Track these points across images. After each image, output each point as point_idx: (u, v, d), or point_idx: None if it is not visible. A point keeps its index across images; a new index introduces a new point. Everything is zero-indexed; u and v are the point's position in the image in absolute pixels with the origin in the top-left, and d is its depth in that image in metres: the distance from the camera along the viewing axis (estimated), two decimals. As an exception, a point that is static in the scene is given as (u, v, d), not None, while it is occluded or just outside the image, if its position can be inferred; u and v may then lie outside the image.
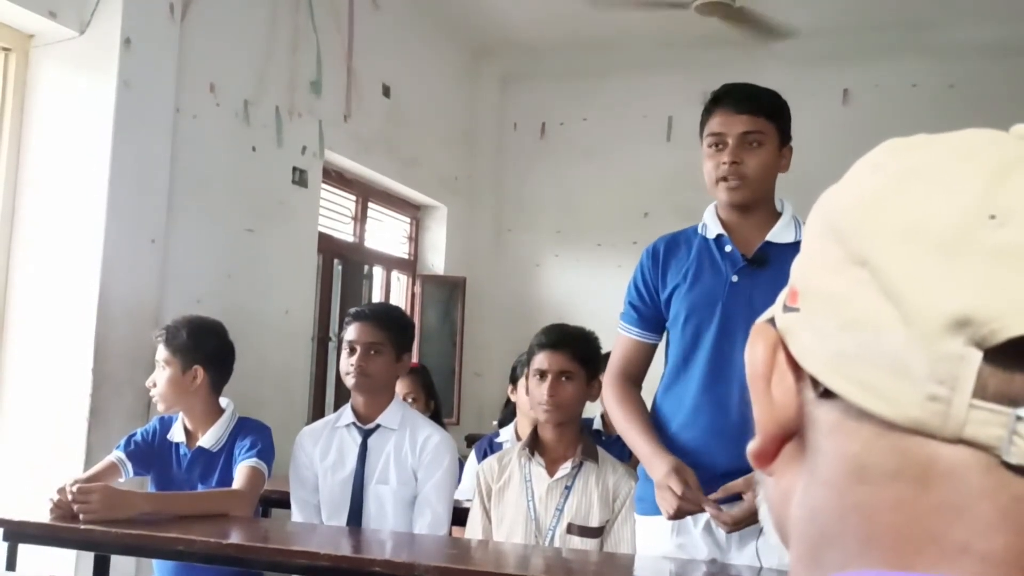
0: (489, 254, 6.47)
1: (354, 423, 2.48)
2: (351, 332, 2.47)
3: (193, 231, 3.67)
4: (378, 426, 2.46)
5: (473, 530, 2.36)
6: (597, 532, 2.25)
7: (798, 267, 0.50)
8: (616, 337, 2.17)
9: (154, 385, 2.54)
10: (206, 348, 2.54)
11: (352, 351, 2.46)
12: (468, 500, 3.03)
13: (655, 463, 1.87)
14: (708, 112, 2.04)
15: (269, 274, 4.17)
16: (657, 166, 6.14)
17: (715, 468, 1.87)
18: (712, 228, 2.02)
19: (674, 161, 5.89)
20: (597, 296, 6.30)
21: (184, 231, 3.61)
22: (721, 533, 1.89)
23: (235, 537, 1.96)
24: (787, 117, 2.04)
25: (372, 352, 2.44)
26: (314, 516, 2.47)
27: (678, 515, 1.77)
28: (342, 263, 5.14)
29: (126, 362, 3.17)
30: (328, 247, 4.94)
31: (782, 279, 1.96)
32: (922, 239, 0.41)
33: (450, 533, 2.44)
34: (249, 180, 4.00)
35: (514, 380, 3.27)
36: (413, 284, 5.89)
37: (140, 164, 3.30)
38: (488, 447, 3.21)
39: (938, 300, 0.40)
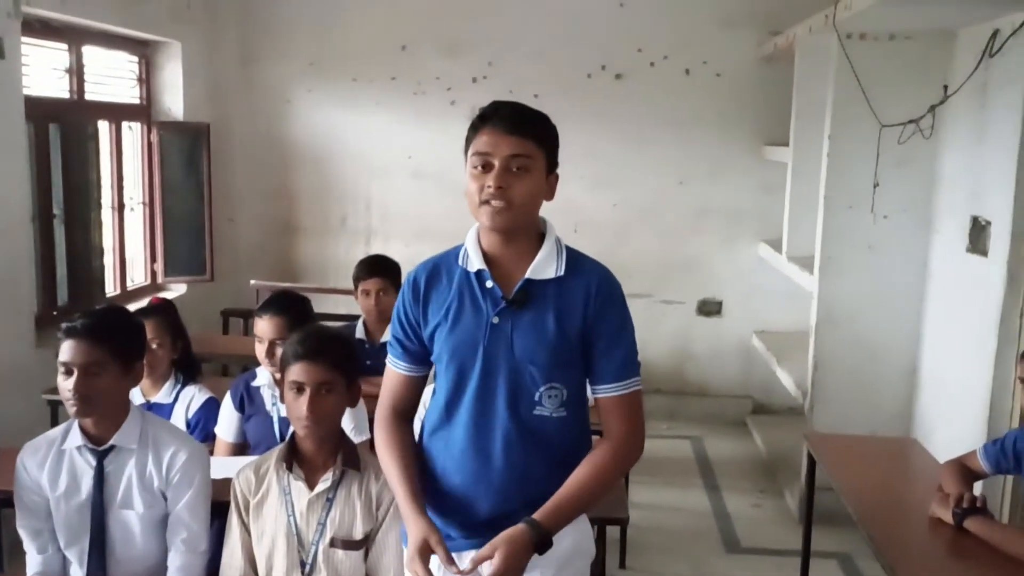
0: (234, 92, 5.87)
1: (85, 445, 2.21)
2: (64, 352, 2.12)
3: None
4: (113, 447, 2.21)
5: (232, 546, 2.24)
6: (361, 544, 2.21)
7: None
8: (386, 369, 2.05)
9: None
10: None
11: (68, 373, 2.12)
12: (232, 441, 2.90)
13: (410, 527, 1.86)
14: (475, 128, 1.89)
15: (-33, 168, 3.56)
16: (417, -6, 5.70)
17: (479, 515, 1.91)
18: (474, 260, 1.92)
19: (435, -10, 5.50)
20: (353, 135, 5.97)
21: None
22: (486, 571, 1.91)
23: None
24: (556, 142, 1.93)
25: (92, 373, 2.12)
26: (49, 543, 2.24)
27: None
28: (60, 126, 4.47)
29: None
30: (40, 111, 4.26)
31: (543, 317, 1.88)
32: None
33: (215, 543, 2.31)
34: (-77, 66, 3.28)
35: None
36: (149, 133, 5.27)
37: None
38: (245, 391, 3.02)
39: None
